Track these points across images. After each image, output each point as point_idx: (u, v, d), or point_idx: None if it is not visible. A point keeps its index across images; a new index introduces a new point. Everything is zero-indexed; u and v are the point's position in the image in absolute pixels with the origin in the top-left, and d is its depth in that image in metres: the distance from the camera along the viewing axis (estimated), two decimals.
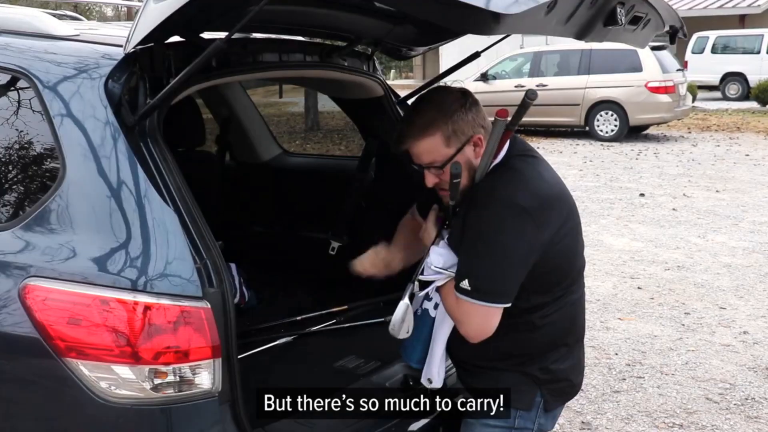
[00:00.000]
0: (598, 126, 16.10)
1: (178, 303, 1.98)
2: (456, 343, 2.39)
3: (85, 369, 1.98)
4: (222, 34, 2.05)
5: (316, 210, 4.01)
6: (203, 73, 2.40)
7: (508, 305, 2.19)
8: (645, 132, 17.13)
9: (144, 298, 1.97)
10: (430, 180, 2.33)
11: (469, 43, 3.17)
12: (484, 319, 2.20)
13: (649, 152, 14.50)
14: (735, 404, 4.38)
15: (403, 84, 27.69)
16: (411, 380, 2.81)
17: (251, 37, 2.82)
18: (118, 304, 1.96)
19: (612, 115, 16.02)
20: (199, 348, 2.00)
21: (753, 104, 22.37)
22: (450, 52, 18.83)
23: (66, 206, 2.12)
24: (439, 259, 2.30)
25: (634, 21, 2.56)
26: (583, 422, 4.19)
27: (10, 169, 2.38)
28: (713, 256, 7.46)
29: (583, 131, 16.52)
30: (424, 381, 2.48)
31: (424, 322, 2.44)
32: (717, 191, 10.59)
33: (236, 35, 2.09)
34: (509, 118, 2.19)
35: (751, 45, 25.99)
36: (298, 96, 15.85)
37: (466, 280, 2.17)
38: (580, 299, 2.45)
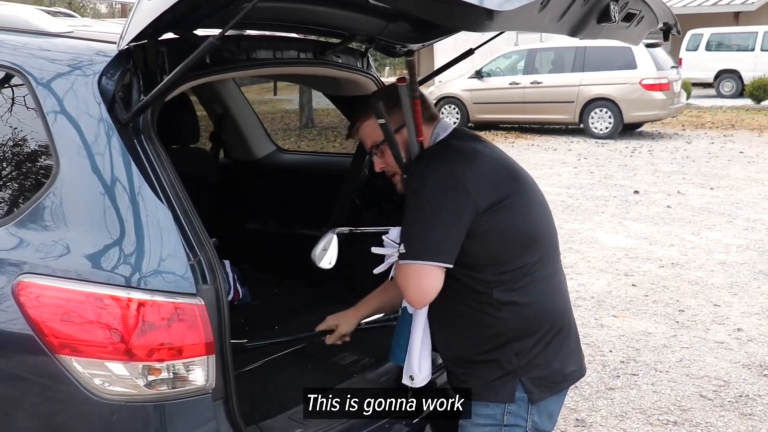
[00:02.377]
0: (592, 123, 16.12)
1: (171, 300, 1.98)
2: (440, 345, 2.46)
3: (78, 366, 1.98)
4: (216, 31, 2.05)
5: (310, 207, 4.01)
6: (197, 70, 2.39)
7: (446, 264, 2.22)
8: (639, 129, 17.16)
9: (138, 295, 1.97)
10: (378, 165, 2.49)
11: (463, 40, 3.17)
12: (420, 278, 2.22)
13: (643, 149, 14.52)
14: (729, 401, 4.39)
15: None
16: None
17: (245, 34, 2.81)
18: (111, 301, 1.97)
19: (606, 113, 16.04)
20: (193, 345, 2.00)
21: (747, 101, 22.42)
22: (444, 49, 18.84)
23: (60, 203, 2.12)
24: (394, 232, 2.44)
25: (628, 18, 2.56)
26: (577, 419, 4.20)
27: (4, 166, 2.38)
28: (707, 253, 7.48)
29: (578, 129, 16.54)
30: (405, 380, 2.49)
31: (404, 320, 2.47)
32: (711, 188, 10.62)
33: (230, 32, 2.09)
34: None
35: (745, 42, 26.04)
36: (293, 93, 15.85)
37: (402, 245, 2.25)
38: (553, 281, 2.44)
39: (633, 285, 6.58)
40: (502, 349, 2.32)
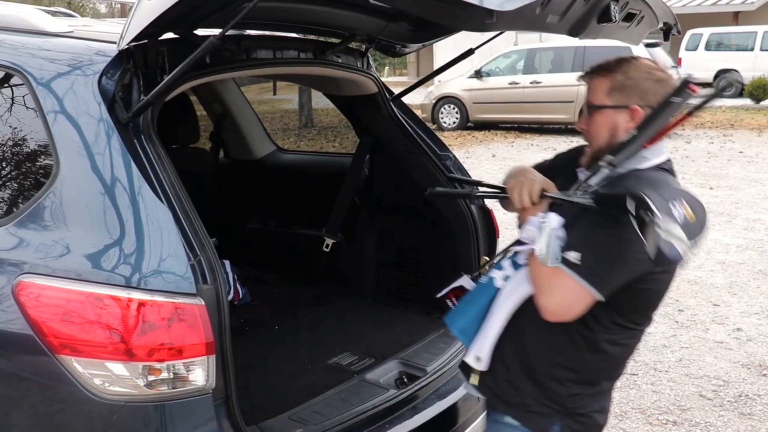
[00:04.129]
0: None
1: (171, 300, 1.98)
2: (513, 342, 2.22)
3: (78, 366, 1.97)
4: (216, 31, 2.05)
5: (310, 207, 4.01)
6: (197, 70, 2.39)
7: (600, 298, 2.03)
8: None
9: (138, 295, 1.96)
10: (580, 123, 2.27)
11: (463, 40, 3.17)
12: (575, 298, 2.03)
13: None
14: (728, 401, 4.39)
15: (397, 81, 27.69)
16: (405, 377, 2.83)
17: (245, 33, 2.81)
18: (111, 301, 1.96)
19: None
20: (193, 345, 2.00)
21: (747, 101, 22.40)
22: (444, 49, 18.83)
23: (60, 203, 2.12)
24: (557, 219, 2.09)
25: (628, 18, 2.56)
26: None
27: (4, 165, 2.37)
28: (707, 253, 7.48)
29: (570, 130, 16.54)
30: (470, 359, 2.26)
31: (485, 291, 2.25)
32: (711, 188, 10.61)
33: (230, 32, 2.09)
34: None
35: (744, 42, 26.03)
36: (292, 93, 15.84)
37: (577, 254, 2.01)
38: (637, 344, 2.31)
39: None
40: (564, 384, 2.20)
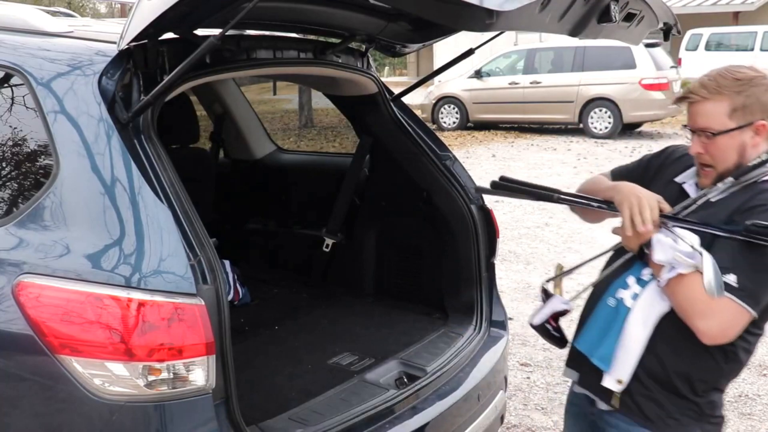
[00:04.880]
0: (592, 123, 16.11)
1: (171, 300, 1.98)
2: (662, 356, 2.18)
3: (78, 366, 1.97)
4: (216, 31, 2.05)
5: (310, 207, 4.01)
6: (197, 70, 2.39)
7: (755, 317, 2.06)
8: (639, 129, 17.14)
9: (138, 295, 1.96)
10: (696, 147, 2.17)
11: (462, 40, 3.17)
12: (735, 321, 2.04)
13: (643, 149, 14.51)
14: (728, 401, 4.39)
15: (397, 81, 27.69)
16: (405, 377, 2.83)
17: (245, 33, 2.81)
18: (111, 301, 1.96)
19: (606, 112, 16.03)
20: (193, 345, 2.00)
21: None
22: (444, 50, 18.84)
23: (60, 203, 2.12)
24: (696, 240, 2.06)
25: (628, 18, 2.56)
26: None
27: (4, 165, 2.37)
28: None
29: (577, 128, 16.52)
30: (610, 383, 2.21)
31: (618, 314, 2.20)
32: None
33: (230, 32, 2.09)
34: None
35: (744, 42, 26.05)
36: (292, 93, 15.83)
37: (733, 276, 2.00)
38: None
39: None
40: (701, 395, 2.20)
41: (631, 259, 2.26)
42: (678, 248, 2.06)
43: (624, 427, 2.25)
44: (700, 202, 2.17)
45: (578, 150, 14.46)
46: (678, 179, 2.29)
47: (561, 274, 2.52)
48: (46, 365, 2.00)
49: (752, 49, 25.66)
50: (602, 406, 2.30)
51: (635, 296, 2.20)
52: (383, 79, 3.49)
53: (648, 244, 2.14)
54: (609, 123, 16.01)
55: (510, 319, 5.01)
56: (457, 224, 3.22)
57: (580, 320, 2.41)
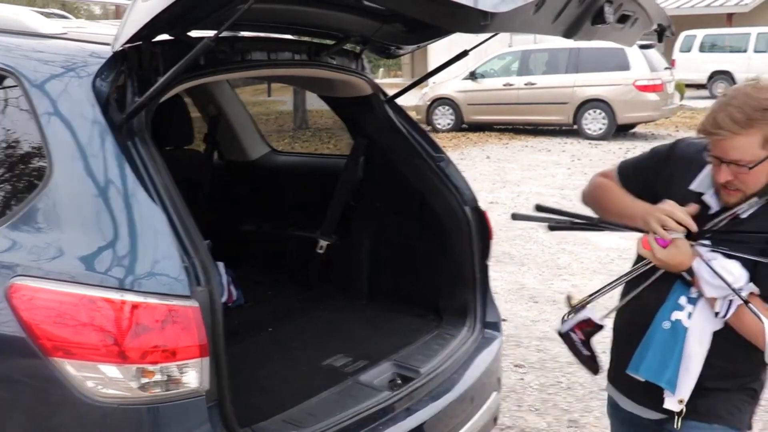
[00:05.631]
0: (586, 124, 16.14)
1: (165, 302, 1.98)
2: (721, 361, 2.23)
3: (71, 368, 1.97)
4: (210, 33, 2.05)
5: (304, 209, 4.01)
6: (191, 72, 2.39)
7: None
8: (633, 130, 17.18)
9: (131, 297, 1.96)
10: (724, 176, 2.12)
11: (457, 41, 3.17)
12: None
13: (637, 151, 14.47)
14: None
15: (392, 83, 27.70)
16: (399, 379, 2.83)
17: (239, 35, 2.81)
18: (105, 303, 1.96)
19: (600, 114, 16.07)
20: (187, 347, 1.99)
21: None
22: (438, 51, 18.84)
23: (53, 205, 2.11)
24: (740, 271, 2.12)
25: (622, 19, 2.57)
26: (570, 420, 4.20)
27: None
28: None
29: (572, 130, 16.55)
30: (672, 404, 2.24)
31: (678, 336, 2.21)
32: None
33: (224, 33, 2.08)
34: None
35: (738, 43, 26.12)
36: (287, 94, 15.82)
37: None
38: None
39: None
40: (751, 381, 2.30)
41: (668, 273, 2.24)
42: (724, 284, 2.09)
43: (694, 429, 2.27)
44: (728, 217, 2.16)
45: (572, 151, 14.48)
46: (695, 187, 2.26)
47: (581, 303, 2.53)
48: (39, 368, 1.99)
49: (746, 51, 25.73)
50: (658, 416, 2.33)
51: (690, 315, 2.20)
52: (378, 81, 3.49)
53: (689, 271, 2.16)
54: (603, 124, 16.05)
55: (504, 320, 5.01)
56: (451, 226, 3.22)
57: (624, 342, 2.41)
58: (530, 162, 13.11)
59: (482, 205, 3.34)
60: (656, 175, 2.37)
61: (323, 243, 3.74)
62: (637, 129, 17.34)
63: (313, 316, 3.56)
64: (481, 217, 3.24)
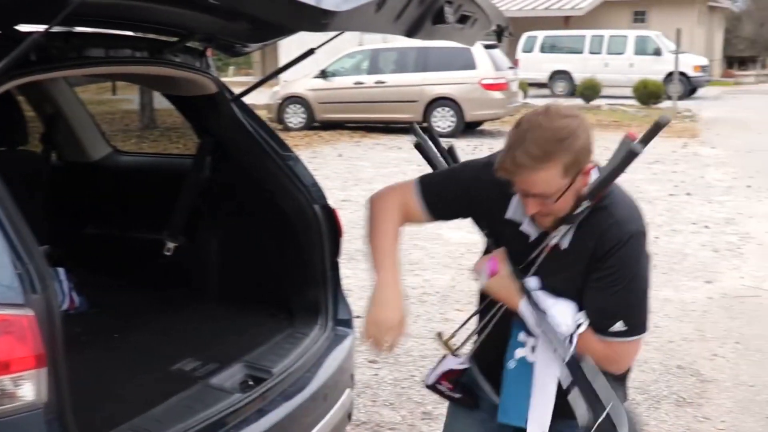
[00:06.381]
0: (435, 122, 16.52)
1: None
2: (607, 385, 2.18)
3: None
4: (42, 27, 1.95)
5: (150, 210, 3.89)
6: (21, 69, 2.27)
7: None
8: (480, 128, 17.73)
9: None
10: (532, 208, 2.08)
11: (308, 39, 3.16)
12: (637, 351, 2.16)
13: (484, 147, 14.99)
14: None
15: (242, 81, 27.34)
16: (251, 380, 2.80)
17: (74, 30, 2.69)
18: None
19: (449, 112, 16.49)
20: (22, 358, 1.89)
21: (578, 101, 23.59)
22: (289, 49, 18.76)
23: None
24: (572, 314, 2.12)
25: (462, 20, 2.64)
26: (424, 413, 4.29)
27: None
28: None
29: (422, 127, 16.83)
30: None
31: (526, 373, 2.20)
32: None
33: (58, 29, 1.99)
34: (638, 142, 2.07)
35: (575, 45, 27.52)
36: (134, 93, 15.35)
37: (620, 322, 2.07)
38: None
39: (476, 279, 6.77)
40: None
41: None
42: (554, 329, 2.11)
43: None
44: (547, 249, 2.15)
45: None
46: (510, 216, 2.23)
47: (448, 339, 2.47)
48: None
49: (582, 52, 27.13)
50: None
51: (534, 349, 2.20)
52: (228, 79, 3.46)
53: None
54: (452, 122, 16.48)
55: (357, 317, 5.06)
56: (300, 224, 3.21)
57: (488, 378, 2.40)
58: (382, 160, 13.27)
59: (334, 203, 3.35)
60: (471, 202, 2.32)
61: (170, 245, 3.64)
62: (484, 126, 17.91)
63: (161, 320, 3.46)
64: (330, 216, 3.25)
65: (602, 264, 2.07)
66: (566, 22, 30.85)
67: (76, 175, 4.28)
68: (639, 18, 33.21)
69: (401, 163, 12.96)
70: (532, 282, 2.17)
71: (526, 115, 2.12)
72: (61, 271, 3.53)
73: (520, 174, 2.03)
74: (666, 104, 22.40)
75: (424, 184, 2.39)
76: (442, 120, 16.51)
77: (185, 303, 3.61)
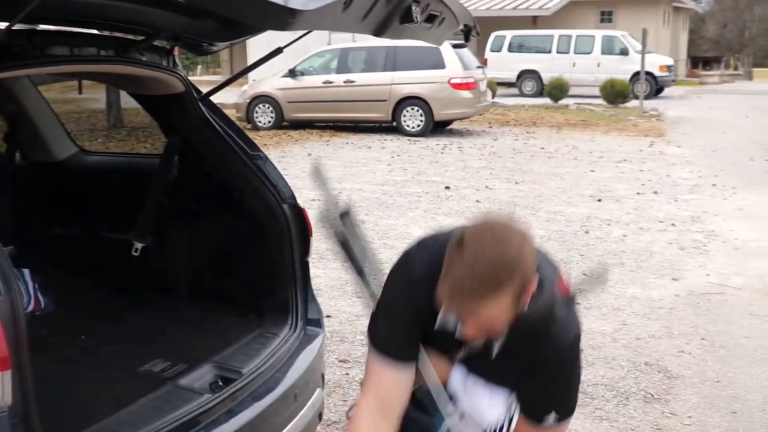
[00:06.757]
0: (404, 121, 16.55)
1: None
2: None
3: None
4: (3, 25, 1.93)
5: (117, 210, 3.86)
6: None
7: None
8: (449, 127, 17.79)
9: None
10: (472, 333, 1.99)
11: (276, 38, 3.15)
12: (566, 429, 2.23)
13: (453, 146, 15.06)
14: None
15: (211, 80, 27.17)
16: (220, 381, 2.78)
17: (38, 28, 2.66)
18: None
19: (418, 111, 16.51)
20: None
21: (546, 100, 23.79)
22: (258, 48, 18.69)
23: None
24: (505, 410, 2.17)
25: (430, 19, 2.65)
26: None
27: None
28: None
29: (391, 127, 16.90)
30: None
31: None
32: (516, 183, 11.17)
33: (19, 26, 1.97)
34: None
35: (543, 44, 27.73)
36: (100, 92, 15.21)
37: (553, 414, 2.13)
38: None
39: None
40: None
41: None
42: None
43: None
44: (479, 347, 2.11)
45: (392, 148, 14.79)
46: (440, 327, 2.12)
47: None
48: None
49: (550, 52, 27.34)
50: None
51: (463, 416, 2.22)
52: (196, 78, 3.44)
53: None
54: (421, 121, 16.51)
55: (328, 316, 5.06)
56: (269, 223, 3.20)
57: None
58: (351, 159, 13.27)
59: (304, 202, 3.34)
60: (417, 317, 2.18)
61: (138, 245, 3.61)
62: (453, 125, 17.97)
63: (129, 321, 3.43)
64: (300, 215, 3.25)
65: (538, 368, 2.08)
66: (534, 21, 31.05)
67: (41, 175, 4.23)
68: (606, 18, 33.54)
69: (370, 161, 12.98)
70: (458, 374, 2.20)
71: (468, 232, 1.94)
72: (26, 272, 3.49)
73: (466, 304, 1.90)
74: (633, 103, 22.66)
75: (377, 342, 2.22)
76: (411, 119, 16.54)
77: (154, 303, 3.58)
